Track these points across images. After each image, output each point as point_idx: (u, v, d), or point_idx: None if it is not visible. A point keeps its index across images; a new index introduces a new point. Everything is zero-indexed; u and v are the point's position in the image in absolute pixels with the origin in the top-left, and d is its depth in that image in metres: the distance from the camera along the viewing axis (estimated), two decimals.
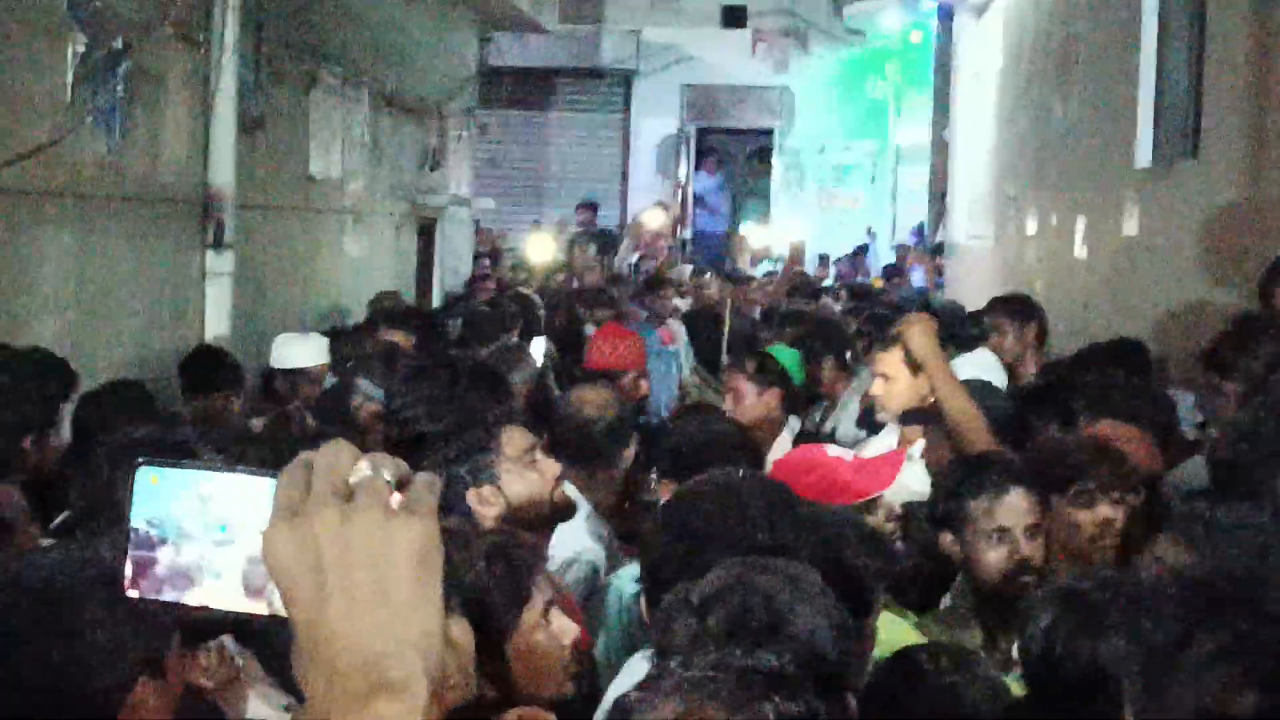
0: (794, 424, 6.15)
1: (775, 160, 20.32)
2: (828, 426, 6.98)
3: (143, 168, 7.02)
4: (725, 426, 4.33)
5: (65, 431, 4.68)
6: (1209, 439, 4.86)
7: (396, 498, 1.10)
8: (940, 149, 16.31)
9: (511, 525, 3.26)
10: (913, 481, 4.23)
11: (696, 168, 20.31)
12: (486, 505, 3.47)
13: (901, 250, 17.78)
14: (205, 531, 1.10)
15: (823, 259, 17.81)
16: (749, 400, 5.93)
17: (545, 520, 3.60)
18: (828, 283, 15.60)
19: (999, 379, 5.18)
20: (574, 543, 3.95)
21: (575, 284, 12.21)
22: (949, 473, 3.87)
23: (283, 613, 1.09)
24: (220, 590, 1.10)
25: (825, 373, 7.28)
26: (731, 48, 19.82)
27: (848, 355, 7.47)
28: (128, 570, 1.11)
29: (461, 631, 1.16)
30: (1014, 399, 5.23)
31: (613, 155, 20.53)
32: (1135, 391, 4.77)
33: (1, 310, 5.88)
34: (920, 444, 4.77)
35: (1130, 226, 8.00)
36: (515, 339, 8.32)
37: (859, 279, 16.30)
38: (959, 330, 7.57)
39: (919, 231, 18.23)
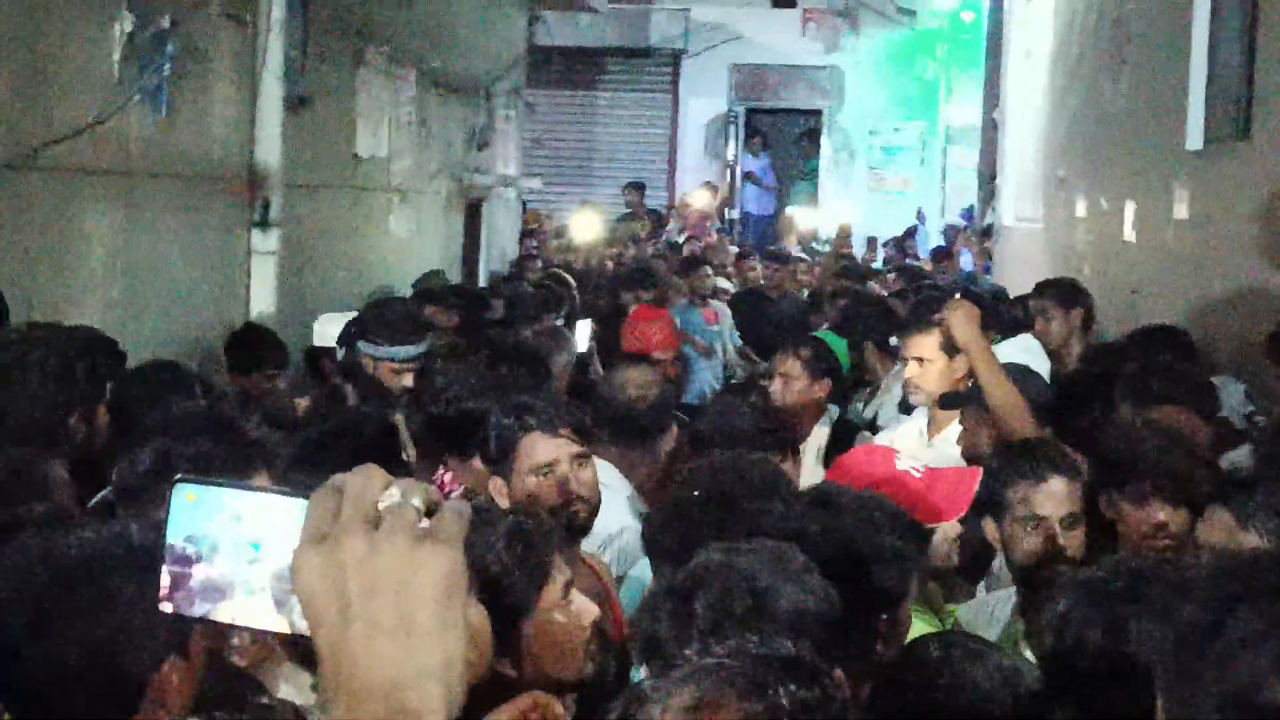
0: (833, 411, 6.13)
1: (824, 141, 20.22)
2: (869, 411, 6.95)
3: (189, 146, 7.06)
4: (749, 413, 4.27)
5: None
6: (1257, 429, 4.82)
7: (424, 524, 1.11)
8: (990, 130, 16.18)
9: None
10: (950, 465, 4.19)
11: (744, 149, 20.24)
12: (499, 497, 3.49)
13: (950, 232, 17.66)
14: (238, 550, 1.12)
15: (870, 241, 17.72)
16: (799, 385, 5.87)
17: None
18: (876, 265, 15.53)
19: (1042, 364, 5.15)
20: (616, 520, 3.96)
21: (616, 264, 12.22)
22: (993, 458, 3.84)
23: (306, 632, 1.10)
24: (250, 607, 1.12)
25: (867, 356, 7.24)
26: (781, 27, 19.72)
27: (891, 339, 7.43)
28: (164, 583, 1.13)
29: (477, 614, 1.17)
30: (1056, 384, 5.19)
31: (660, 135, 20.48)
32: (1177, 377, 4.73)
33: (49, 287, 5.93)
34: (953, 427, 4.74)
35: (1180, 210, 7.91)
36: (560, 320, 8.33)
37: (908, 261, 16.21)
38: (1002, 314, 7.51)
39: (968, 214, 18.11)
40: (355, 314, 6.93)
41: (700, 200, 17.50)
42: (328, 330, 6.84)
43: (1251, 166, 6.82)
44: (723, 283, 11.81)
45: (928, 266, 14.48)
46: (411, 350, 5.51)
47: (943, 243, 17.17)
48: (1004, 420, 4.28)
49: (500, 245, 13.74)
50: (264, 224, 7.64)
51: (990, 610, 3.61)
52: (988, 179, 16.27)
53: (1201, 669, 1.55)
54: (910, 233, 18.30)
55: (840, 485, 3.15)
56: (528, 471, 3.47)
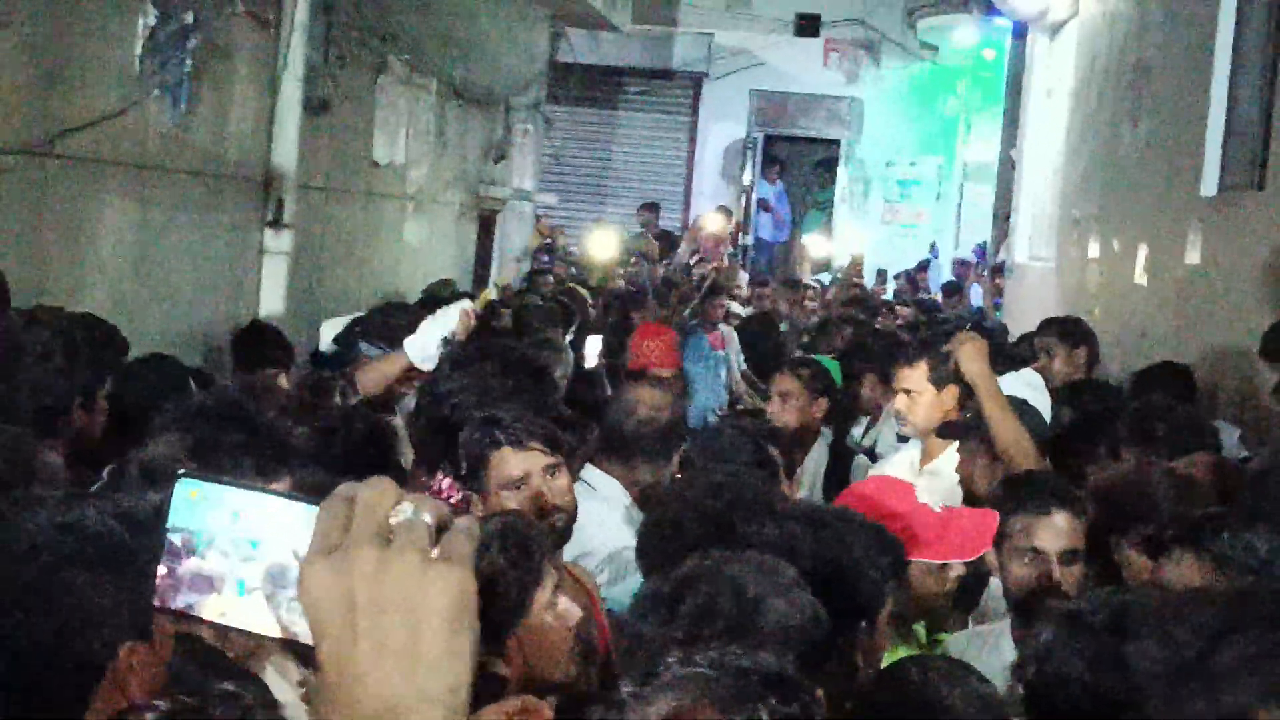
0: (827, 434, 6.17)
1: (840, 171, 20.23)
2: (868, 441, 6.97)
3: (206, 143, 7.08)
4: (742, 439, 4.27)
5: None
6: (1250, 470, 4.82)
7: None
8: (1007, 168, 16.19)
9: None
10: (941, 496, 4.18)
11: (761, 175, 20.25)
12: (474, 508, 3.49)
13: (960, 268, 17.65)
14: (234, 546, 1.11)
15: (880, 274, 17.72)
16: (798, 403, 5.97)
17: None
18: (886, 297, 15.53)
19: (1043, 400, 5.17)
20: (615, 539, 3.95)
21: (627, 283, 12.22)
22: (999, 487, 3.85)
23: (299, 638, 1.09)
24: (240, 606, 1.11)
25: (867, 387, 7.26)
26: (803, 56, 19.74)
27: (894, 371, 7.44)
28: (159, 576, 1.12)
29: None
30: (1058, 421, 5.19)
31: (678, 157, 20.50)
32: (1180, 420, 4.72)
33: (60, 276, 5.95)
34: (945, 457, 4.75)
35: (1193, 256, 7.91)
36: (568, 335, 8.33)
37: (920, 295, 16.22)
38: (1007, 350, 7.53)
39: (981, 250, 18.11)
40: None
41: (714, 224, 17.49)
42: (331, 335, 6.85)
43: (1265, 216, 6.82)
44: (734, 306, 11.82)
45: (939, 300, 14.50)
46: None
47: (952, 278, 17.18)
48: (1008, 455, 4.30)
49: (512, 257, 13.76)
50: (277, 224, 7.66)
51: (984, 640, 3.59)
52: (1002, 217, 16.27)
53: (1192, 696, 1.55)
54: (923, 266, 18.29)
55: (820, 504, 3.16)
56: (500, 487, 3.46)
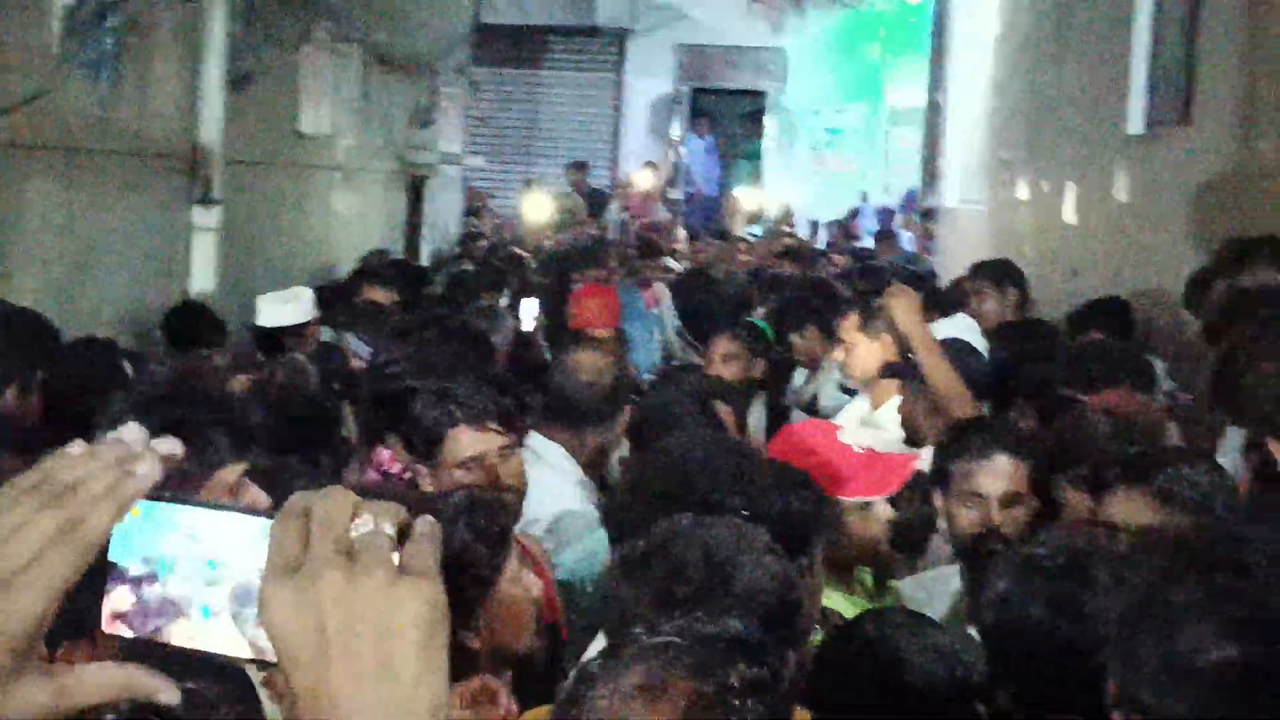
0: (763, 395, 6.26)
1: (768, 122, 20.24)
2: (809, 391, 7.02)
3: (131, 122, 6.99)
4: (690, 403, 4.29)
5: None
6: (1179, 406, 4.89)
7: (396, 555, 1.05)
8: (933, 113, 16.25)
9: None
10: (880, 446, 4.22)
11: (689, 129, 20.23)
12: (424, 480, 3.49)
13: (884, 215, 17.73)
14: (195, 569, 1.06)
15: (813, 225, 17.78)
16: (737, 365, 6.03)
17: None
18: (818, 247, 15.59)
19: (978, 343, 5.23)
20: (562, 503, 3.96)
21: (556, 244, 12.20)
22: (944, 433, 3.89)
23: (266, 657, 1.05)
24: (208, 630, 1.06)
25: (807, 340, 7.31)
26: (727, 8, 19.70)
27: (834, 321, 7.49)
28: (115, 605, 1.06)
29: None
30: (994, 363, 5.25)
31: (605, 115, 20.44)
32: (1117, 357, 4.78)
33: None
34: (894, 402, 4.80)
35: (1121, 193, 7.99)
36: (506, 299, 8.31)
37: (854, 243, 16.31)
38: (935, 295, 7.62)
39: (911, 196, 18.20)
40: (302, 289, 6.90)
41: (644, 181, 17.50)
42: (272, 310, 6.80)
43: (1192, 151, 6.89)
44: (670, 263, 11.82)
45: (872, 248, 14.58)
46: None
47: (877, 226, 17.26)
48: (945, 404, 4.34)
49: (442, 224, 13.68)
50: (206, 201, 7.58)
51: (929, 587, 3.64)
52: (930, 161, 16.34)
53: (1147, 637, 1.58)
54: (854, 214, 18.37)
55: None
56: (455, 465, 3.45)
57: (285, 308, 6.78)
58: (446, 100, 13.22)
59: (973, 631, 2.88)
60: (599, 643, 2.83)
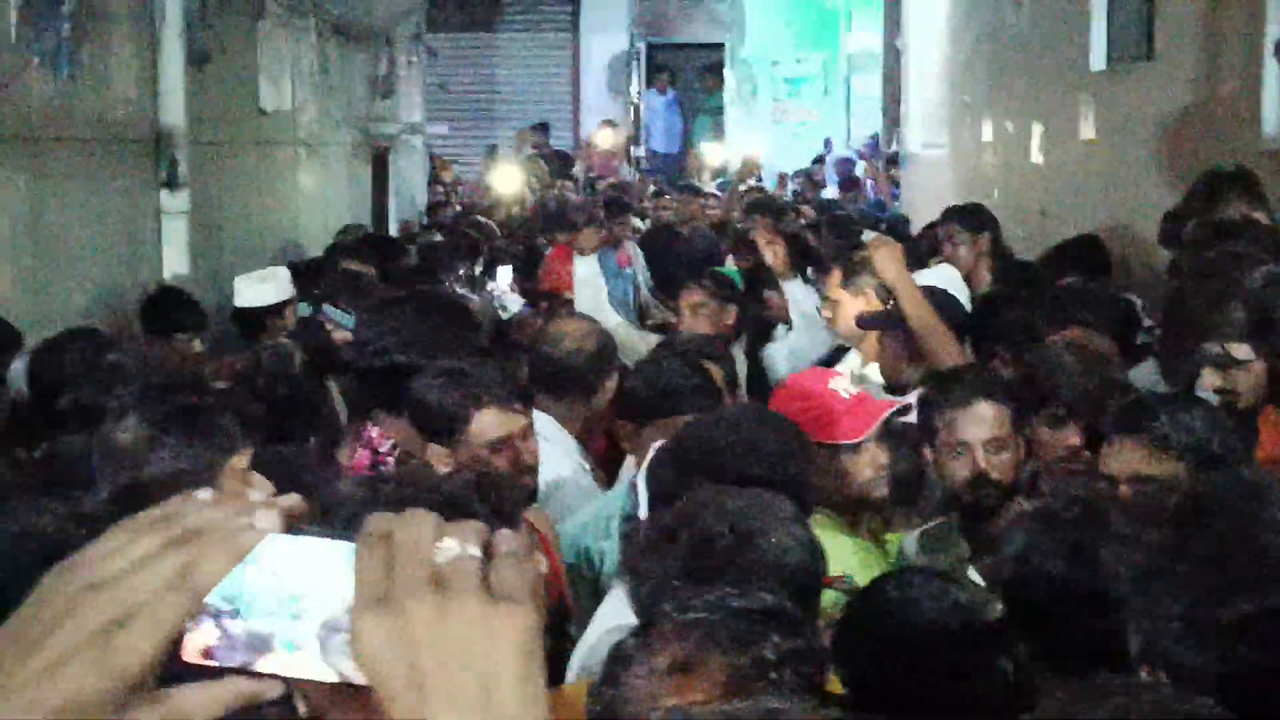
0: (741, 343, 6.26)
1: (727, 74, 20.18)
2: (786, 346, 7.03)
3: (93, 107, 6.92)
4: (682, 369, 4.29)
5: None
6: (1158, 342, 4.94)
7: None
8: (893, 57, 16.23)
9: None
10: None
11: (647, 85, 20.14)
12: (439, 463, 3.48)
13: (844, 164, 17.70)
14: (279, 605, 1.04)
15: (781, 177, 17.76)
16: (707, 313, 6.02)
17: None
18: (785, 199, 15.56)
19: (960, 292, 5.25)
20: (555, 472, 3.97)
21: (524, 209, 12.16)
22: (927, 385, 3.92)
23: (353, 679, 1.03)
24: (292, 660, 1.04)
25: (781, 296, 7.31)
26: None
27: (809, 272, 7.50)
28: (190, 641, 1.04)
29: None
30: (977, 309, 5.27)
31: (562, 75, 20.33)
32: (1095, 298, 4.82)
33: None
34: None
35: (1087, 131, 8.01)
36: (479, 268, 8.30)
37: (821, 193, 16.30)
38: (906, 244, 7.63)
39: (873, 143, 18.19)
40: (278, 268, 6.88)
41: (604, 140, 17.44)
42: (251, 290, 6.78)
43: (1155, 86, 6.91)
44: (636, 221, 11.79)
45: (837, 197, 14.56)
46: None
47: (836, 177, 17.24)
48: (932, 353, 4.36)
49: (408, 194, 13.62)
50: (173, 184, 7.51)
51: (935, 537, 3.67)
52: (892, 107, 16.33)
53: (1168, 591, 1.60)
54: (819, 161, 18.35)
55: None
56: (481, 445, 3.46)
57: (265, 287, 6.76)
58: (404, 69, 13.15)
59: (974, 574, 2.91)
60: (605, 612, 2.85)
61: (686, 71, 20.59)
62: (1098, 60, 7.79)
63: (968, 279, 6.41)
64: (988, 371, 4.35)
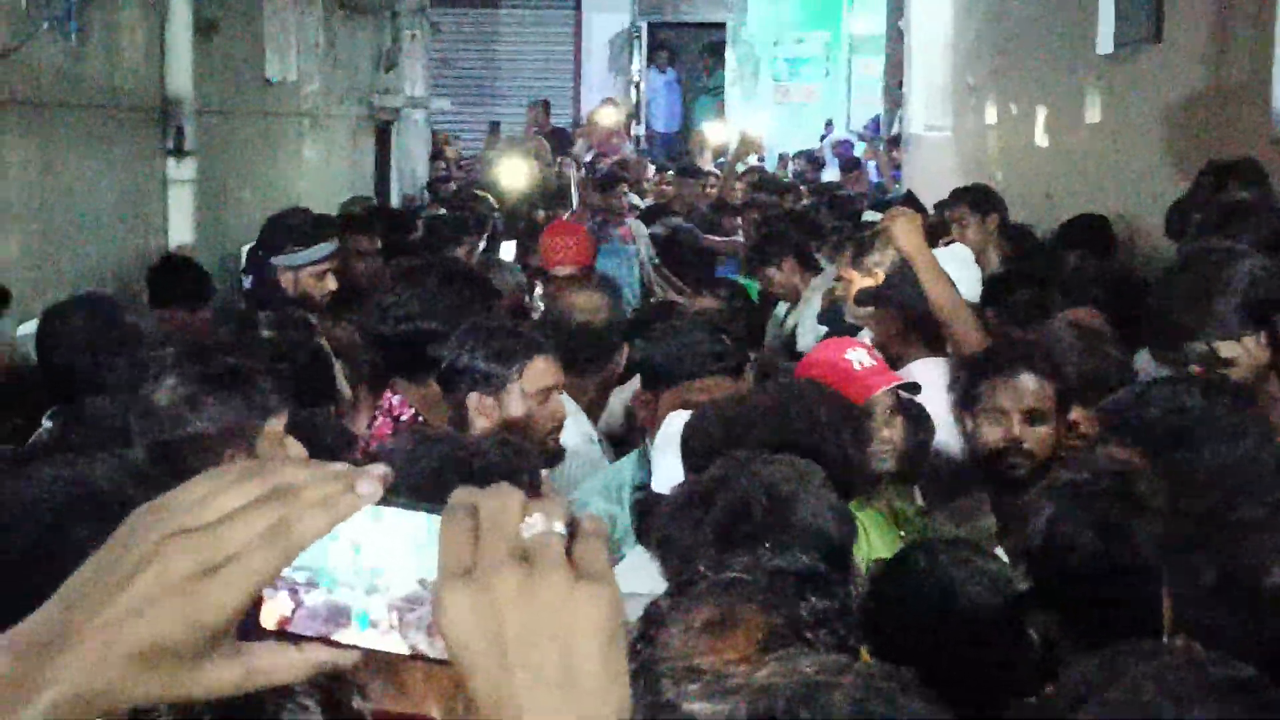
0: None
1: (729, 54, 20.14)
2: (790, 323, 7.04)
3: (100, 75, 6.91)
4: (701, 335, 4.30)
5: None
6: None
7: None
8: (895, 39, 16.21)
9: None
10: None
11: (648, 64, 20.12)
12: (480, 415, 3.49)
13: (842, 146, 17.67)
14: (359, 578, 1.04)
15: (782, 158, 17.73)
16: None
17: None
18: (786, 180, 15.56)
19: (973, 273, 5.25)
20: (568, 442, 3.98)
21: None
22: (973, 355, 3.98)
23: (429, 653, 1.04)
24: (365, 636, 1.05)
25: (785, 273, 7.33)
26: None
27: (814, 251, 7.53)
28: (265, 612, 1.05)
29: None
30: (989, 286, 5.29)
31: (564, 52, 20.30)
32: (1103, 277, 4.84)
33: None
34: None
35: (1093, 114, 8.01)
36: (481, 242, 8.30)
37: (821, 171, 16.30)
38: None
39: (873, 125, 18.17)
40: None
41: (606, 118, 17.40)
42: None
43: (1162, 69, 6.91)
44: (635, 199, 11.79)
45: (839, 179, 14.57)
46: (327, 248, 5.64)
47: (835, 159, 17.23)
48: (949, 325, 4.37)
49: (410, 168, 13.61)
50: (179, 152, 7.51)
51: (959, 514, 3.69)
52: (894, 88, 16.32)
53: (1205, 557, 1.61)
54: (823, 139, 18.32)
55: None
56: (533, 393, 3.49)
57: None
58: (409, 42, 13.12)
59: (1000, 551, 2.92)
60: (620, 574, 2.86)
61: (688, 51, 20.56)
62: (1105, 43, 7.78)
63: (976, 260, 6.44)
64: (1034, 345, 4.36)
